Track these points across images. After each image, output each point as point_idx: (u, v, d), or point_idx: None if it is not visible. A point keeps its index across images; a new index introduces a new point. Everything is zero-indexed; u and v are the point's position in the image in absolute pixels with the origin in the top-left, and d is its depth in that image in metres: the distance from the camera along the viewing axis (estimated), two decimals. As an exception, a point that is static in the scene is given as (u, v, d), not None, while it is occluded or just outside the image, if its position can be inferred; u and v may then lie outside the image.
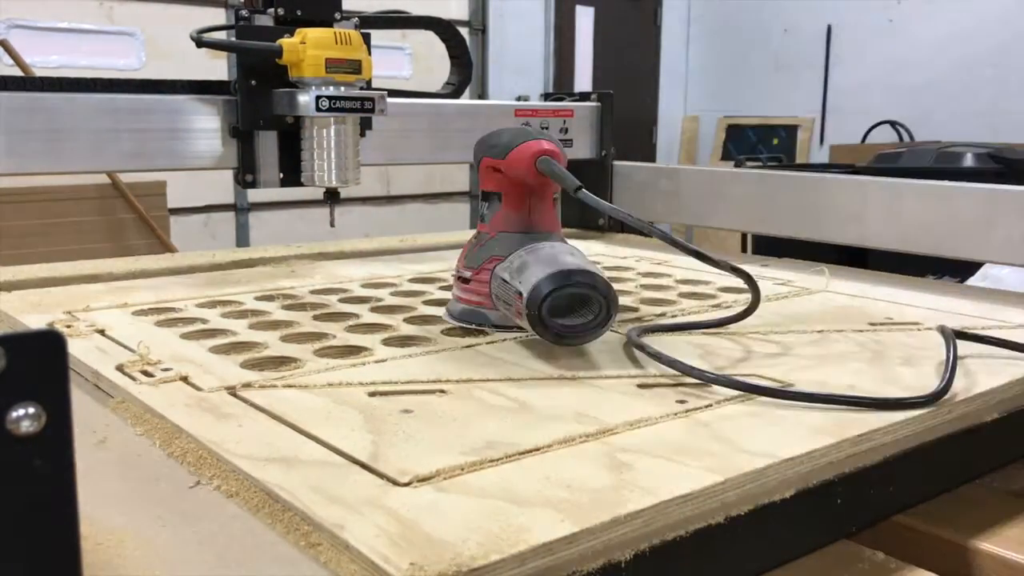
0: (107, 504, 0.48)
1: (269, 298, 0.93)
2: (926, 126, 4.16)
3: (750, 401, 0.62)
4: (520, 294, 0.70)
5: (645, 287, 1.02)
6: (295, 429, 0.56)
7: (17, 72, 2.84)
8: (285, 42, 1.02)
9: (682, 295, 0.98)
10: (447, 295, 0.95)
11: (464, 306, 0.83)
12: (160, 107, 1.07)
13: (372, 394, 0.63)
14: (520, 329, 0.78)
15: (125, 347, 0.73)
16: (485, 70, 5.57)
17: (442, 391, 0.64)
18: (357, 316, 0.86)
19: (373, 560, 0.40)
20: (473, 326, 0.82)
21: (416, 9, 1.22)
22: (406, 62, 4.74)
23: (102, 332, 0.78)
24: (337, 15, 1.10)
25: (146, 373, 0.67)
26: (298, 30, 1.03)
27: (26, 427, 0.29)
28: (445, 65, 1.27)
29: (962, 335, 0.74)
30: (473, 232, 0.85)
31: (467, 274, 0.82)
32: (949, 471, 0.66)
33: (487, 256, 0.80)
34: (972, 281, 1.77)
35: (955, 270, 1.77)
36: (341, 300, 0.93)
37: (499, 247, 0.79)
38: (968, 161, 2.61)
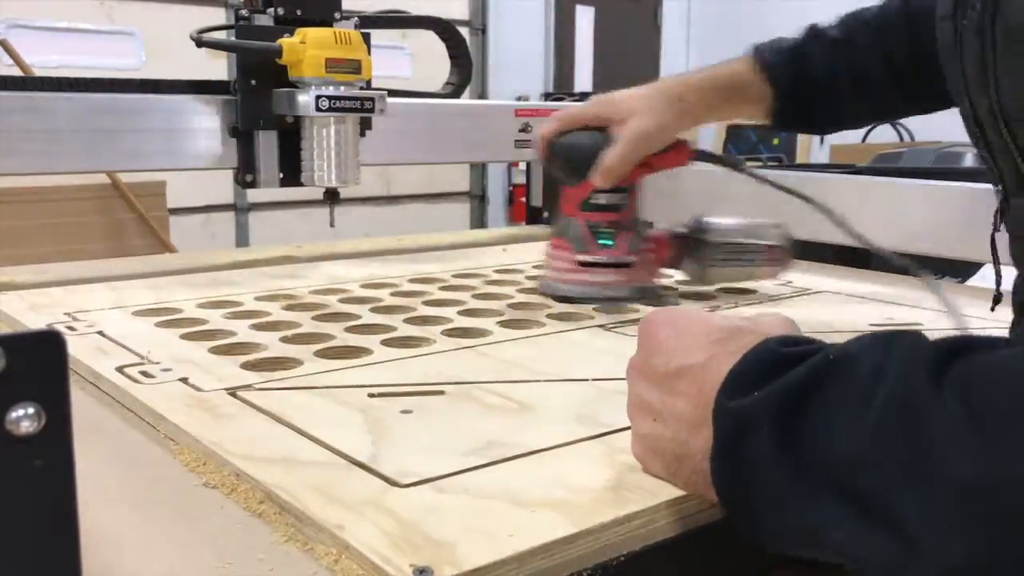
0: (107, 504, 0.48)
1: (269, 298, 0.93)
2: (926, 126, 4.15)
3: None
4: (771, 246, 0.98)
5: (645, 287, 1.02)
6: (295, 430, 0.56)
7: (17, 72, 2.84)
8: (285, 42, 1.02)
9: (683, 295, 0.98)
10: (447, 295, 0.95)
11: (630, 287, 0.94)
12: (160, 107, 1.07)
13: (372, 395, 0.63)
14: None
15: (125, 347, 0.73)
16: (485, 70, 5.57)
17: (442, 391, 0.64)
18: (357, 316, 0.86)
19: (373, 561, 0.40)
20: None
21: (416, 9, 1.22)
22: (406, 62, 4.74)
23: (102, 332, 0.78)
24: (337, 15, 1.10)
25: (146, 374, 0.66)
26: (298, 30, 1.03)
27: (26, 427, 0.29)
28: (445, 65, 1.27)
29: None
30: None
31: (605, 259, 0.95)
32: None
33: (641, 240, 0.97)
34: (972, 281, 1.77)
35: (955, 270, 1.77)
36: (341, 300, 0.93)
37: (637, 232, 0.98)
38: (968, 161, 2.61)
